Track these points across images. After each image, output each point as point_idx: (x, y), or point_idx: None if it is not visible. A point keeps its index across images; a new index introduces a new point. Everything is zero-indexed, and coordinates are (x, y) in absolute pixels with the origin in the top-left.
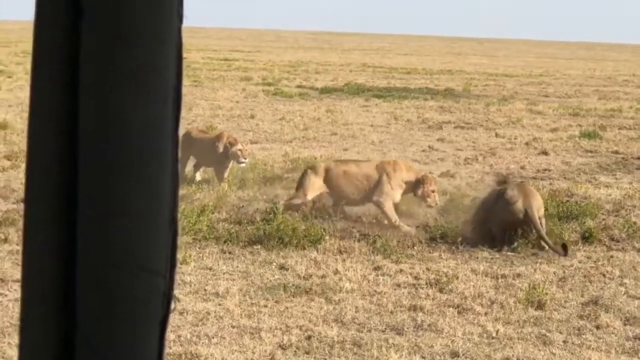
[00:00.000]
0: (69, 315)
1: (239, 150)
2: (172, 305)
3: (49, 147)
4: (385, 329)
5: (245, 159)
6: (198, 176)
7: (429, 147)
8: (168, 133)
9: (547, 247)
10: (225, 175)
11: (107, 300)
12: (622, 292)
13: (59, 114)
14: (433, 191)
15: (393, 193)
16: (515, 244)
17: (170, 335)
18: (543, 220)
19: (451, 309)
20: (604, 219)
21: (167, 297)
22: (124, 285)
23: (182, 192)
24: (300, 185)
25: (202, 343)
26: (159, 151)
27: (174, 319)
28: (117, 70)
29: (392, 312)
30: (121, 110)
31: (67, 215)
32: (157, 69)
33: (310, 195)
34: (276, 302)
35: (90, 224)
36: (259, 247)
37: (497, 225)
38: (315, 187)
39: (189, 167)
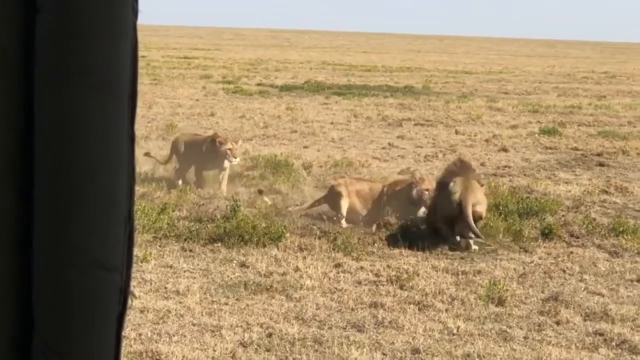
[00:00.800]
0: (25, 314)
1: (228, 149)
2: (129, 302)
3: (2, 145)
4: (346, 326)
5: (235, 157)
6: (180, 182)
7: (389, 144)
8: (124, 129)
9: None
10: (222, 177)
11: (63, 298)
12: (582, 288)
13: (12, 111)
14: (427, 190)
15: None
16: (458, 238)
17: (130, 334)
18: (483, 214)
19: (412, 305)
20: (563, 215)
21: (124, 293)
22: (80, 283)
23: (142, 190)
24: (336, 205)
25: (163, 341)
26: (115, 148)
27: (134, 317)
28: (70, 66)
29: (353, 309)
30: (75, 107)
31: (22, 214)
32: (112, 65)
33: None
34: (237, 299)
35: (45, 223)
36: (219, 244)
37: (440, 220)
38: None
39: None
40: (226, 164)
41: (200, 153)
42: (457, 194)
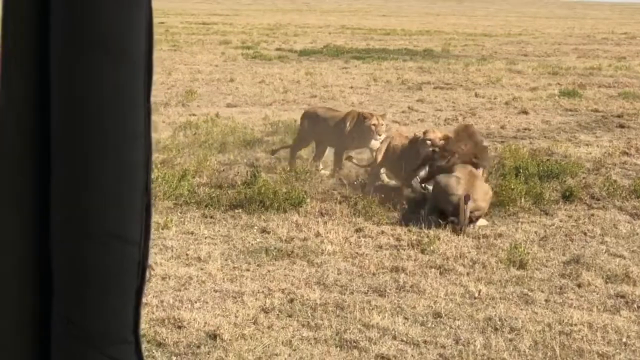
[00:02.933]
0: (43, 287)
1: (373, 125)
2: (148, 275)
3: (20, 116)
4: (368, 290)
5: (380, 135)
6: (321, 165)
7: (409, 107)
8: (139, 101)
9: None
10: (380, 135)
11: (81, 271)
12: (603, 251)
13: (29, 83)
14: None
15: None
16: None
17: (152, 301)
18: (484, 212)
19: (433, 270)
20: (584, 178)
21: (142, 266)
22: (98, 256)
23: (162, 157)
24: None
25: (185, 308)
26: (131, 120)
27: (156, 284)
28: (84, 37)
29: (374, 274)
30: (91, 78)
31: (39, 186)
32: (127, 36)
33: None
34: (258, 265)
35: (62, 195)
36: (240, 211)
37: (430, 210)
38: None
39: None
40: (373, 143)
41: (341, 131)
42: (456, 196)
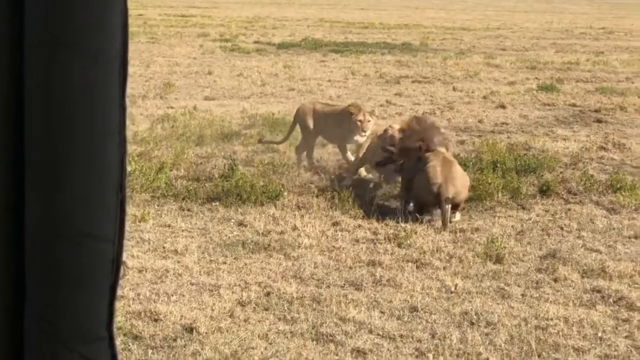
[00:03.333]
0: (16, 286)
1: (359, 121)
2: (122, 272)
3: None
4: (344, 284)
5: (364, 131)
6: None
7: (387, 101)
8: (114, 100)
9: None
10: (353, 153)
11: (54, 270)
12: (580, 245)
13: (2, 83)
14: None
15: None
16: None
17: (129, 294)
18: (464, 201)
19: (410, 263)
20: (561, 172)
21: (116, 263)
22: (71, 253)
23: (140, 149)
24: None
25: (162, 301)
26: (105, 118)
27: (133, 277)
28: (59, 35)
29: (350, 268)
30: (65, 76)
31: (12, 185)
32: (102, 34)
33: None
34: (235, 258)
35: (36, 193)
36: (217, 203)
37: (414, 199)
38: None
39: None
40: (358, 138)
41: (339, 126)
42: (436, 186)
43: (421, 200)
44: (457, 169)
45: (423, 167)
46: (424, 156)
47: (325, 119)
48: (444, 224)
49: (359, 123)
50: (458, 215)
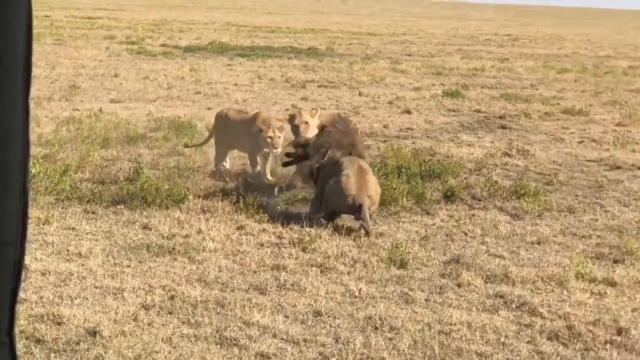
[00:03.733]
0: None
1: (269, 137)
2: (23, 276)
3: None
4: (249, 288)
5: (276, 148)
6: (227, 164)
7: (293, 105)
8: (18, 102)
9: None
10: (267, 163)
11: None
12: (483, 251)
13: None
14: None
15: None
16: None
17: (32, 297)
18: (376, 206)
19: (314, 268)
20: (466, 178)
21: (18, 266)
22: None
23: (44, 151)
24: None
25: (65, 304)
26: (9, 121)
27: (36, 280)
28: None
29: (255, 272)
30: None
31: None
32: (4, 36)
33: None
34: (139, 262)
35: None
36: (122, 207)
37: (325, 207)
38: None
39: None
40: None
41: (249, 137)
42: (351, 197)
43: (334, 210)
44: (371, 178)
45: (337, 175)
46: (340, 162)
47: (236, 128)
48: (367, 232)
49: (268, 140)
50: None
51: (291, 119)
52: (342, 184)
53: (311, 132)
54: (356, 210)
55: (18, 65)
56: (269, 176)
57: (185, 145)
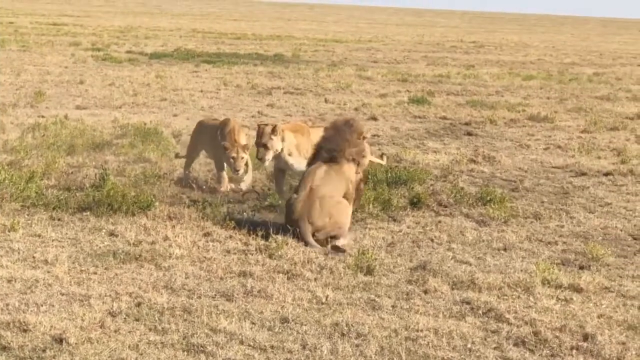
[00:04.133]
0: None
1: (232, 158)
2: None
3: None
4: (215, 295)
5: (237, 170)
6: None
7: (259, 112)
8: None
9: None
10: (238, 170)
11: None
12: (450, 257)
13: None
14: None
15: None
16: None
17: None
18: (338, 225)
19: (281, 275)
20: (432, 185)
21: None
22: None
23: (10, 158)
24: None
25: (31, 311)
26: None
27: (1, 287)
28: None
29: (222, 279)
30: None
31: None
32: None
33: None
34: (106, 269)
35: None
36: (88, 213)
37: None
38: None
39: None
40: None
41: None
42: (291, 222)
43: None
44: (322, 202)
45: (291, 196)
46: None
47: (207, 133)
48: (326, 253)
49: (231, 160)
50: (342, 241)
51: (258, 134)
52: (289, 206)
53: (271, 155)
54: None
55: None
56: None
57: (176, 156)
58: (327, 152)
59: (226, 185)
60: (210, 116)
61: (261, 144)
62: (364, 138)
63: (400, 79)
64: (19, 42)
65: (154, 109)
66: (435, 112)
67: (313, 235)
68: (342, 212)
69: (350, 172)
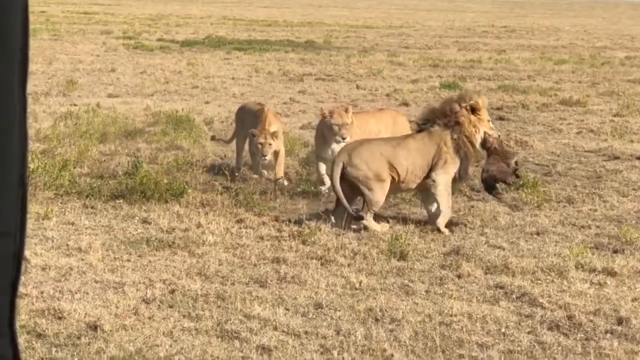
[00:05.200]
0: None
1: (260, 144)
2: (23, 267)
3: None
4: (249, 281)
5: (265, 155)
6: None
7: (290, 99)
8: (14, 95)
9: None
10: (265, 156)
11: None
12: (483, 242)
13: None
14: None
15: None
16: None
17: (32, 292)
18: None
19: (314, 260)
20: None
21: (18, 257)
22: None
23: (43, 147)
24: None
25: (65, 299)
26: (6, 114)
27: (36, 275)
28: None
29: (255, 265)
30: None
31: None
32: (1, 31)
33: None
34: (139, 256)
35: None
36: (121, 201)
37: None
38: None
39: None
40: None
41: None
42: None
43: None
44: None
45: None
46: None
47: (249, 119)
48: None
49: (259, 145)
50: (367, 217)
51: (330, 117)
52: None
53: (353, 135)
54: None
55: (15, 58)
56: (279, 174)
57: (212, 138)
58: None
59: (261, 172)
60: (252, 101)
61: (344, 123)
62: (472, 108)
63: (432, 64)
64: (50, 31)
65: (185, 97)
66: None
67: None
68: (376, 187)
69: (440, 137)
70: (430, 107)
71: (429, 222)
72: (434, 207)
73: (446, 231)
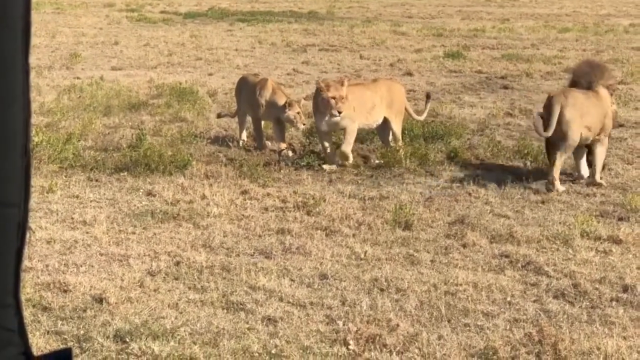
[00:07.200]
0: None
1: (295, 115)
2: (28, 236)
3: None
4: (254, 252)
5: (304, 124)
6: (244, 135)
7: (294, 70)
8: (17, 63)
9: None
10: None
11: None
12: (488, 211)
13: None
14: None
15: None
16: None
17: (37, 265)
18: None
19: (319, 231)
20: (468, 139)
21: (22, 227)
22: None
23: (47, 120)
24: None
25: (71, 272)
26: (8, 81)
27: (41, 248)
28: None
29: (260, 236)
30: None
31: None
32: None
33: None
34: (144, 228)
35: None
36: (125, 174)
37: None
38: None
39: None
40: (284, 116)
41: (255, 99)
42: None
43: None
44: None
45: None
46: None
47: (248, 91)
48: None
49: (294, 118)
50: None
51: (323, 89)
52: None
53: (347, 106)
54: None
55: (17, 26)
56: (282, 145)
57: (218, 115)
58: (585, 82)
59: (264, 144)
60: (251, 72)
61: (338, 96)
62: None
63: (435, 33)
64: (53, 4)
65: (189, 69)
66: (471, 67)
67: None
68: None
69: (607, 100)
70: (593, 63)
71: (582, 178)
72: (590, 164)
73: (603, 182)
